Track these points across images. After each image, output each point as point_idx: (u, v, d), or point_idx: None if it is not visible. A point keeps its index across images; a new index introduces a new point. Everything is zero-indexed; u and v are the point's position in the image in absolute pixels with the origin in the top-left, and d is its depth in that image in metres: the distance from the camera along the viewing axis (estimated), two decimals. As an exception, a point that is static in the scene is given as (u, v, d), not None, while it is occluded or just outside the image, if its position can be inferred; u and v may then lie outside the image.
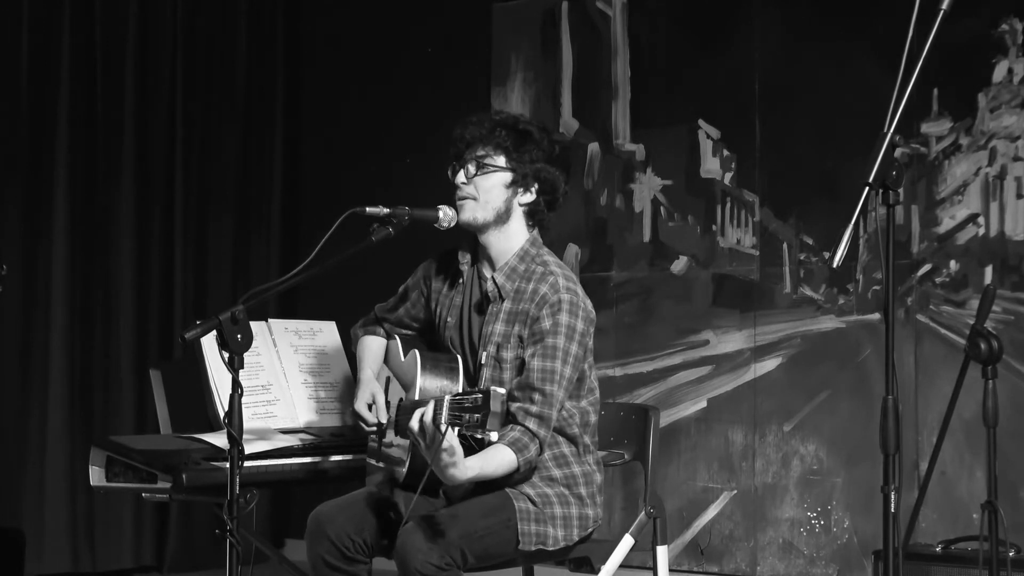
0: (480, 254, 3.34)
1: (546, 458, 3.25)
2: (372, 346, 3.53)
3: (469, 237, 3.35)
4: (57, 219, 5.63)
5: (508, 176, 3.26)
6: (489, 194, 3.26)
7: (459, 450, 2.89)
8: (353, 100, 6.40)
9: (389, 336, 3.54)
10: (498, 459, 3.08)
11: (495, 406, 2.76)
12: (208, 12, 6.22)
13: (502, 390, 2.82)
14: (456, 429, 2.83)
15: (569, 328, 3.19)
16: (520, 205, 3.29)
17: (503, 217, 3.27)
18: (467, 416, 2.79)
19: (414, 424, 2.91)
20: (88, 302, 5.74)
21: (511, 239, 3.30)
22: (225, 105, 6.27)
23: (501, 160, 3.26)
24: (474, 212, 3.26)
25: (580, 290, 3.26)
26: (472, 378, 3.27)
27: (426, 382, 3.19)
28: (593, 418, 3.34)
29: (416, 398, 3.18)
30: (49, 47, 5.66)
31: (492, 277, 3.28)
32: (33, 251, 5.59)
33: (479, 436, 2.82)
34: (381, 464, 3.32)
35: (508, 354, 3.22)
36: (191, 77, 6.13)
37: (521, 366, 3.19)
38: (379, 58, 6.31)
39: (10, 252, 5.37)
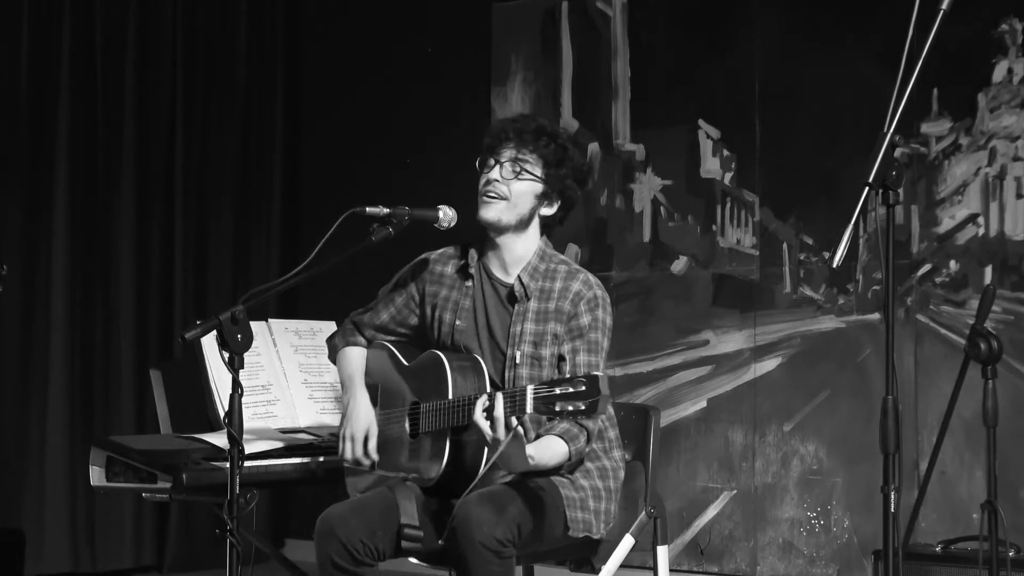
0: (491, 256, 3.33)
1: None
2: (356, 358, 3.47)
3: (476, 236, 3.34)
4: (57, 219, 5.64)
5: (541, 187, 3.27)
6: (520, 199, 3.25)
7: (523, 438, 2.96)
8: (353, 100, 6.40)
9: (371, 343, 3.48)
10: (552, 449, 3.11)
11: (605, 388, 2.78)
12: (208, 12, 6.22)
13: (599, 373, 2.86)
14: (550, 416, 2.88)
15: (604, 324, 3.26)
16: (541, 216, 3.31)
17: (524, 223, 3.28)
18: (563, 404, 2.80)
19: (481, 419, 2.92)
20: (88, 302, 5.74)
21: (528, 243, 3.30)
22: (225, 105, 6.27)
23: (539, 170, 3.26)
24: (501, 213, 3.25)
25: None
26: (500, 378, 3.26)
27: (457, 382, 3.16)
28: (612, 412, 3.37)
29: (450, 397, 3.14)
30: (49, 47, 5.66)
31: (519, 276, 3.27)
32: (33, 251, 5.59)
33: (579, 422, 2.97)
34: (399, 474, 3.30)
35: (546, 351, 3.23)
36: (191, 77, 6.13)
37: (557, 362, 3.22)
38: (379, 58, 6.31)
39: (10, 252, 5.36)
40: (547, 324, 3.23)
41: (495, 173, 3.25)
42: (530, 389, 2.86)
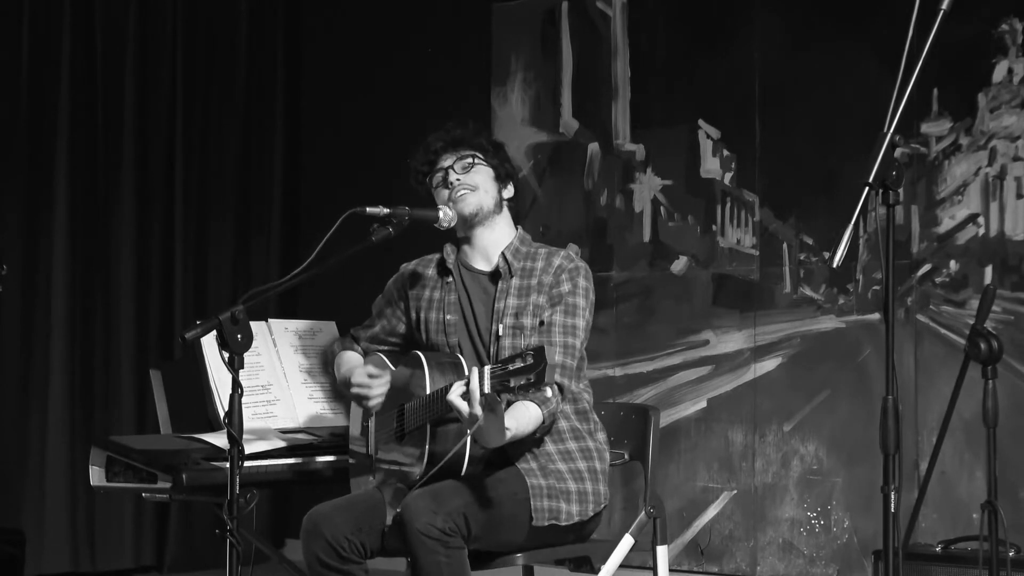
0: (467, 250, 3.38)
1: (563, 429, 3.29)
2: (350, 356, 3.53)
3: (452, 237, 3.40)
4: (57, 219, 5.64)
5: (493, 171, 3.38)
6: (486, 183, 3.35)
7: (502, 414, 2.97)
8: (353, 100, 6.40)
9: (366, 353, 3.53)
10: (527, 416, 3.13)
11: (551, 358, 2.82)
12: (208, 12, 6.22)
13: (580, 335, 2.92)
14: (506, 393, 2.88)
15: (585, 291, 3.31)
16: (505, 199, 3.40)
17: (498, 207, 3.36)
18: (517, 379, 2.81)
19: (455, 398, 2.91)
20: (88, 302, 5.74)
21: (504, 229, 3.37)
22: (225, 105, 6.27)
23: (482, 157, 3.37)
24: (479, 201, 3.32)
25: None
26: (488, 357, 3.29)
27: (435, 379, 3.17)
28: (591, 397, 3.41)
29: (428, 394, 3.17)
30: (49, 48, 5.66)
31: (502, 253, 3.33)
32: (33, 251, 5.59)
33: (531, 395, 2.95)
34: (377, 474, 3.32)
35: (527, 321, 3.26)
36: (191, 77, 6.13)
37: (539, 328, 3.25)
38: (379, 58, 6.31)
39: (10, 252, 5.36)
40: (529, 296, 3.28)
41: (452, 176, 3.33)
42: (487, 369, 2.88)
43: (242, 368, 2.82)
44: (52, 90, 5.66)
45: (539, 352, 2.80)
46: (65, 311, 5.63)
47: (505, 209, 3.39)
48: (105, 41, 5.83)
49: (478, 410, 2.89)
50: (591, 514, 3.30)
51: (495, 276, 3.34)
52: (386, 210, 3.17)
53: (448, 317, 3.35)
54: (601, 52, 5.64)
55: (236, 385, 2.79)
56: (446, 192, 3.33)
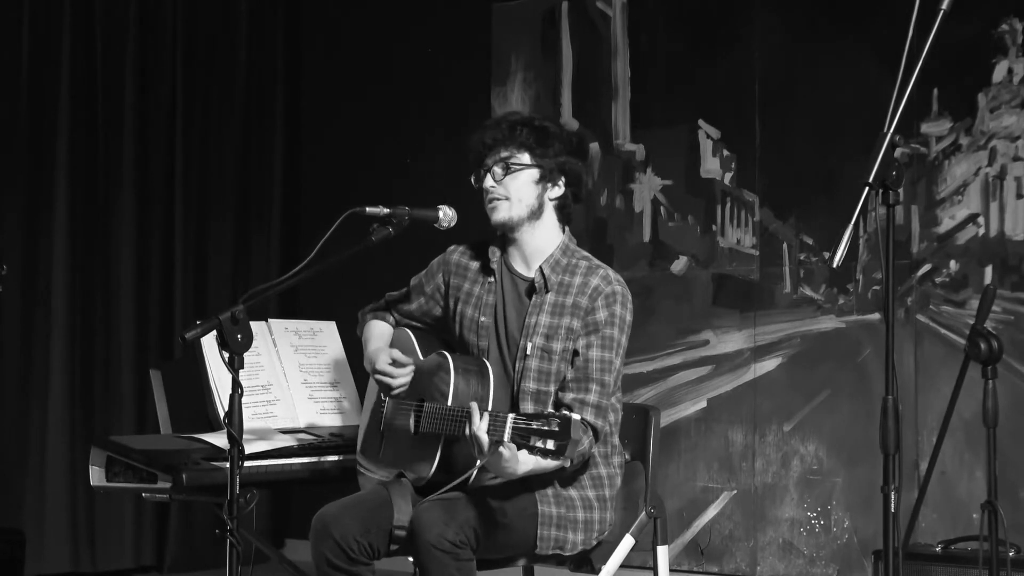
0: (512, 251, 3.34)
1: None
2: (380, 330, 3.51)
3: (497, 236, 3.36)
4: (57, 219, 5.63)
5: (536, 172, 3.28)
6: (521, 192, 3.27)
7: (516, 452, 2.93)
8: (353, 100, 6.40)
9: (398, 325, 3.52)
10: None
11: (575, 434, 2.79)
12: (208, 12, 6.22)
13: (578, 416, 2.87)
14: (521, 449, 2.86)
15: (622, 320, 3.25)
16: (550, 200, 3.32)
17: (536, 213, 3.29)
18: (537, 439, 2.81)
19: (475, 431, 2.93)
20: (88, 302, 5.74)
21: (547, 233, 3.32)
22: (225, 105, 6.27)
23: (526, 158, 3.28)
24: (508, 212, 3.27)
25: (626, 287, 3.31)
26: (513, 369, 3.27)
27: (459, 386, 3.17)
28: (620, 416, 3.36)
29: (449, 404, 3.16)
30: (49, 48, 5.66)
31: (540, 268, 3.28)
32: (33, 251, 5.59)
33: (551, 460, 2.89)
34: (396, 470, 3.32)
35: (557, 345, 3.22)
36: (191, 77, 6.13)
37: (571, 357, 3.21)
38: (379, 58, 6.31)
39: (10, 252, 5.36)
40: (562, 318, 3.23)
41: (488, 181, 3.28)
42: (510, 418, 2.87)
43: (242, 368, 2.81)
44: (52, 90, 5.66)
45: (566, 424, 2.78)
46: (65, 311, 5.63)
47: (549, 211, 3.31)
48: (105, 41, 5.83)
49: (481, 453, 2.92)
50: (594, 543, 3.28)
51: (531, 289, 3.30)
52: (386, 210, 3.17)
53: (483, 319, 3.33)
54: (601, 52, 5.64)
55: (236, 385, 2.79)
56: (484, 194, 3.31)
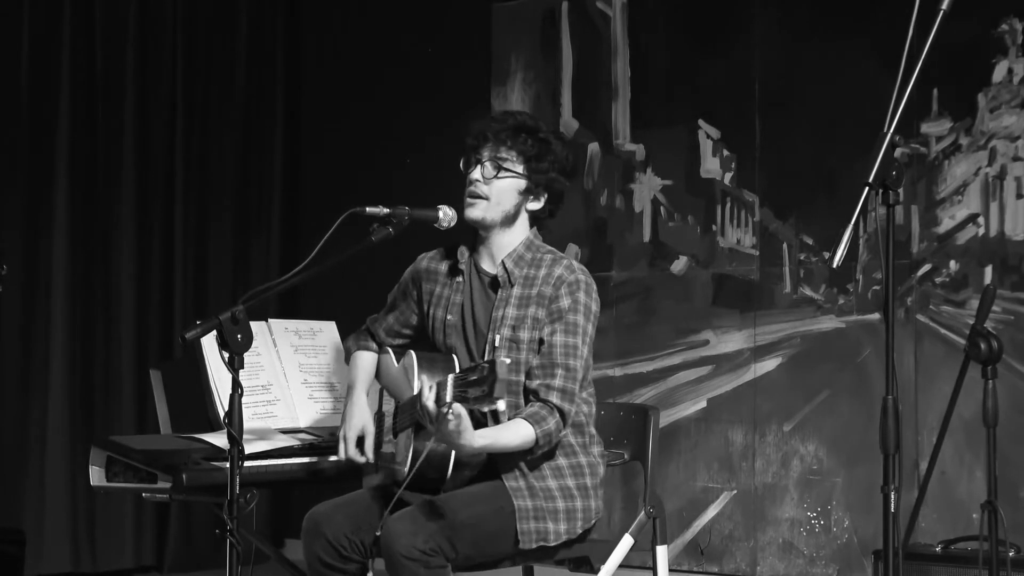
0: (481, 250, 3.35)
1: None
2: (364, 363, 3.52)
3: (467, 233, 3.37)
4: (57, 219, 5.63)
5: (523, 183, 3.28)
6: (502, 196, 3.27)
7: (466, 418, 2.92)
8: (353, 100, 6.40)
9: (381, 349, 3.52)
10: (514, 430, 3.10)
11: (502, 372, 2.77)
12: (208, 12, 6.22)
13: (507, 359, 2.86)
14: (463, 404, 2.86)
15: (586, 308, 3.24)
16: (528, 210, 3.32)
17: (511, 219, 3.30)
18: (473, 390, 2.81)
19: (426, 404, 2.93)
20: (88, 302, 5.74)
21: (514, 235, 3.32)
22: (225, 105, 6.27)
23: (520, 167, 3.27)
24: (485, 212, 3.27)
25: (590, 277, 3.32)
26: None
27: (423, 379, 3.18)
28: (594, 409, 3.36)
29: (415, 394, 3.18)
30: (49, 48, 5.65)
31: (502, 262, 3.29)
32: (33, 251, 5.59)
33: (487, 408, 2.88)
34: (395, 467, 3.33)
35: (524, 335, 3.22)
36: (191, 77, 6.13)
37: (538, 347, 3.21)
38: (379, 58, 6.31)
39: (10, 252, 5.36)
40: (528, 309, 3.24)
41: (476, 173, 3.28)
42: (450, 378, 2.88)
43: (242, 368, 2.81)
44: (53, 90, 5.65)
45: (491, 365, 2.78)
46: (65, 311, 5.63)
47: (523, 218, 3.32)
48: (105, 41, 5.83)
49: (427, 421, 2.93)
50: (579, 531, 3.27)
51: (495, 283, 3.31)
52: (386, 210, 3.17)
53: (449, 318, 3.34)
54: (601, 52, 5.64)
55: (236, 385, 2.79)
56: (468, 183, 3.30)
